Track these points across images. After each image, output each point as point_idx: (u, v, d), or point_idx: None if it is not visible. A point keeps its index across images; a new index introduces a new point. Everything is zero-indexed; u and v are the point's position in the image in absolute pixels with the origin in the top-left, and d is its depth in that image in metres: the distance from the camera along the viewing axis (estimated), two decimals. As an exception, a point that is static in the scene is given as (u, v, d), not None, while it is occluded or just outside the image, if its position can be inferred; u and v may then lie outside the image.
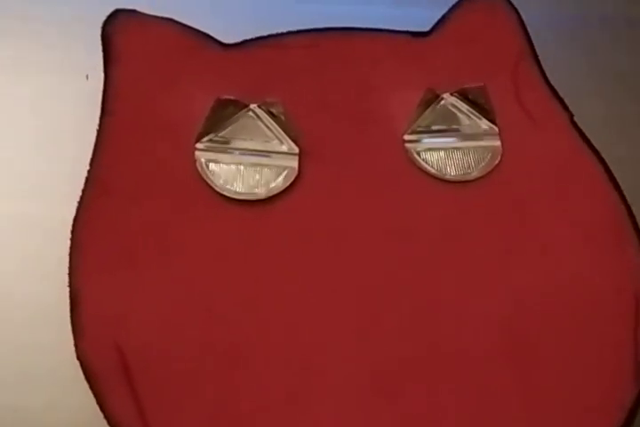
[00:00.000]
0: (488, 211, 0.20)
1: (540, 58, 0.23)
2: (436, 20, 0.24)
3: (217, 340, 0.18)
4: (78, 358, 0.17)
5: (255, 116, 0.21)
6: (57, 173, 0.21)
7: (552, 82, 0.23)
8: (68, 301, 0.18)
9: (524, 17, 0.24)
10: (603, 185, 0.21)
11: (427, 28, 0.24)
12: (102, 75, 0.22)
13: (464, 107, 0.21)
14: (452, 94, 0.22)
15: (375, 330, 0.18)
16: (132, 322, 0.18)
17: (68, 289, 0.18)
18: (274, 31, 0.23)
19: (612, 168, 0.21)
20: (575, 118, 0.22)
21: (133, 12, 0.22)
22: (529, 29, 0.24)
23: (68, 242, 0.19)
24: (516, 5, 0.25)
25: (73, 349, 0.17)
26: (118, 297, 0.18)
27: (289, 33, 0.23)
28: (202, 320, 0.18)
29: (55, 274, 0.19)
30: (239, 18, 0.24)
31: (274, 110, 0.20)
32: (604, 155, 0.21)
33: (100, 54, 0.22)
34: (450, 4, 0.24)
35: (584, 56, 0.25)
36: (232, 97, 0.20)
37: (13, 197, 0.21)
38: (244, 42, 0.22)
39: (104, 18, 0.22)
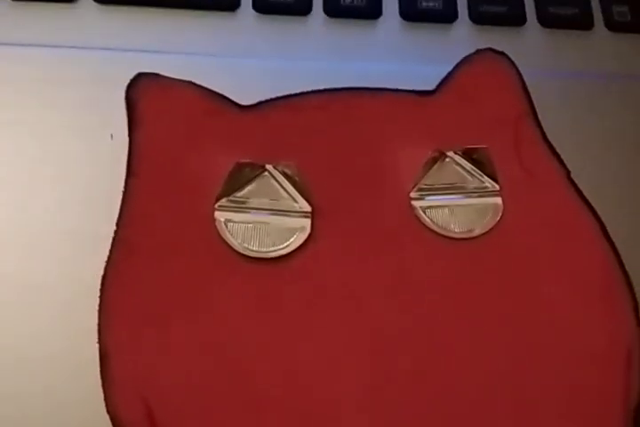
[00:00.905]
0: (489, 267, 0.22)
1: (538, 114, 0.25)
2: (439, 75, 0.26)
3: (238, 393, 0.19)
4: (108, 411, 0.19)
5: (271, 177, 0.22)
6: (86, 232, 0.22)
7: (550, 138, 0.24)
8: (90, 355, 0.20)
9: (523, 72, 0.26)
10: (597, 241, 0.22)
11: (431, 84, 0.25)
12: (126, 134, 0.23)
13: (467, 165, 0.23)
14: (456, 153, 0.23)
15: (386, 383, 0.20)
16: (159, 377, 0.19)
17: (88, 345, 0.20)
18: (286, 90, 0.25)
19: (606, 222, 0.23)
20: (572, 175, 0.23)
21: (155, 75, 0.23)
22: (528, 85, 0.25)
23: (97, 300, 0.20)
24: (516, 60, 0.26)
25: (102, 402, 0.19)
26: (145, 353, 0.19)
27: (301, 94, 0.24)
28: (224, 375, 0.20)
29: (86, 330, 0.20)
30: (253, 77, 0.26)
31: (288, 171, 0.22)
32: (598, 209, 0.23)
33: (123, 114, 0.24)
34: (452, 61, 0.26)
35: (582, 113, 0.26)
36: (249, 160, 0.22)
37: (43, 257, 0.22)
38: (260, 103, 0.24)
39: (125, 77, 0.24)
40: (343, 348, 0.20)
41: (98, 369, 0.20)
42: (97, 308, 0.20)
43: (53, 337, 0.21)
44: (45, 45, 0.26)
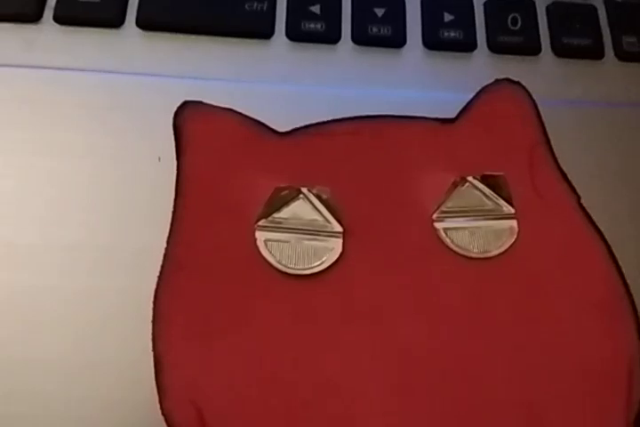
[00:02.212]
0: (504, 284, 0.24)
1: (551, 141, 0.27)
2: (458, 101, 0.28)
3: (274, 399, 0.22)
4: (162, 414, 0.21)
5: (306, 200, 0.24)
6: (135, 248, 0.24)
7: (562, 164, 0.26)
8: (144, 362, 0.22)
9: (537, 100, 0.28)
10: (603, 263, 0.24)
11: (451, 109, 0.27)
12: (173, 156, 0.25)
13: (486, 190, 0.25)
14: (475, 178, 0.25)
15: (407, 392, 0.22)
16: (208, 383, 0.21)
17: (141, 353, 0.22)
18: (316, 115, 0.27)
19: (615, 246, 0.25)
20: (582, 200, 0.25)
21: (199, 103, 0.25)
22: (542, 112, 0.27)
23: (149, 311, 0.22)
24: (531, 88, 0.28)
25: (157, 405, 0.21)
26: (194, 361, 0.22)
27: (333, 121, 0.26)
28: (262, 382, 0.22)
29: (136, 339, 0.22)
30: (285, 102, 0.28)
31: (322, 194, 0.24)
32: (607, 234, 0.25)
33: (169, 137, 0.26)
34: (471, 88, 0.28)
35: (593, 139, 0.28)
36: (286, 184, 0.24)
37: (99, 273, 0.24)
38: (295, 130, 0.26)
39: (166, 102, 0.26)
40: (370, 359, 0.22)
41: (147, 375, 0.22)
42: (146, 319, 0.22)
43: (105, 345, 0.23)
44: (90, 70, 0.28)
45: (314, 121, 0.26)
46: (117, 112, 0.27)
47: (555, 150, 0.26)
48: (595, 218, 0.25)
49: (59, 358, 0.23)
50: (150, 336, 0.22)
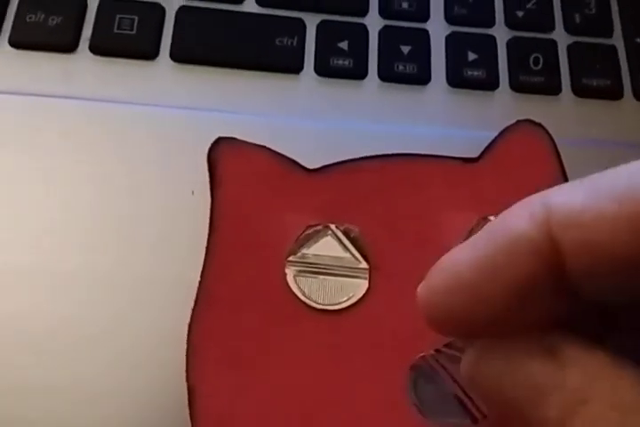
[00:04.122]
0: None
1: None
2: (480, 139, 0.28)
3: (303, 430, 0.22)
4: (195, 443, 0.22)
5: (334, 236, 0.25)
6: (173, 280, 0.25)
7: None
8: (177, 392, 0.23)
9: (556, 139, 0.29)
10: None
11: (473, 147, 0.28)
12: (206, 190, 0.26)
13: (506, 230, 0.26)
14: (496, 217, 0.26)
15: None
16: (238, 413, 0.22)
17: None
18: (342, 151, 0.27)
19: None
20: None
21: (233, 139, 0.26)
22: (561, 151, 0.28)
23: (183, 343, 0.23)
24: (551, 127, 0.29)
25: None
26: (227, 392, 0.23)
27: (361, 158, 0.27)
28: (288, 413, 0.23)
29: (170, 369, 0.23)
30: (313, 137, 0.29)
31: (350, 232, 0.25)
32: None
33: (203, 171, 0.27)
34: (493, 126, 0.28)
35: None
36: (316, 221, 0.25)
37: (132, 303, 0.25)
38: (324, 167, 0.27)
39: (198, 136, 0.27)
40: (394, 393, 0.23)
41: (180, 405, 0.23)
42: (180, 350, 0.23)
43: (141, 375, 0.24)
44: (123, 102, 0.29)
45: (341, 156, 0.27)
46: (150, 144, 0.28)
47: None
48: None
49: (96, 387, 0.24)
50: (184, 367, 0.23)
